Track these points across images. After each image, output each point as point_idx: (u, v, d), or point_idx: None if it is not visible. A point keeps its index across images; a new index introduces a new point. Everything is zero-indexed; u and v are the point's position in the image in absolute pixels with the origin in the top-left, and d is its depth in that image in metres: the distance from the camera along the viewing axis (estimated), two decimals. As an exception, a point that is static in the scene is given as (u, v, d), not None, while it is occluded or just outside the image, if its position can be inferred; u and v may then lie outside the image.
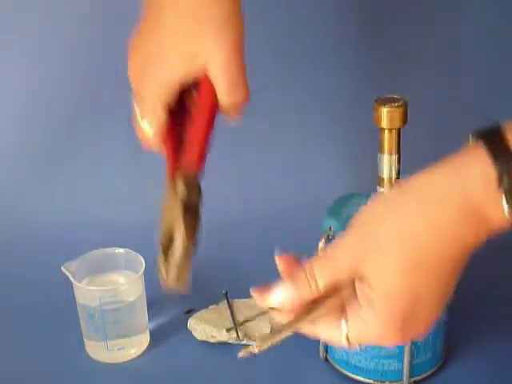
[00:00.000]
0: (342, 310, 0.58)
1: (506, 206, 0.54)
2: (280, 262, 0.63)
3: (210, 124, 0.68)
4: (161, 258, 0.67)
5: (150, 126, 0.70)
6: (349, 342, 0.58)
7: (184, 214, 0.66)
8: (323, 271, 0.58)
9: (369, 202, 0.59)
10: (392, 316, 0.56)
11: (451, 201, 0.55)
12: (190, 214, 0.66)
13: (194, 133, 0.68)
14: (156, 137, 0.70)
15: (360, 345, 0.59)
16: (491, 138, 0.55)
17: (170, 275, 0.67)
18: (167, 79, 0.69)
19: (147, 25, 0.71)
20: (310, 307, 0.58)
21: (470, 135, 0.58)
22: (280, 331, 0.60)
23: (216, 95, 0.69)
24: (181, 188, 0.66)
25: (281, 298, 0.59)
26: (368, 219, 0.58)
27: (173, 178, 0.67)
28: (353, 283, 0.57)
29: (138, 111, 0.71)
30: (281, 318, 0.60)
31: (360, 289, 0.57)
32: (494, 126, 0.56)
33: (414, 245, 0.55)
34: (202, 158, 0.67)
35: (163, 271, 0.67)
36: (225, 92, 0.69)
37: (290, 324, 0.59)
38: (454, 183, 0.56)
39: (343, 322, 0.58)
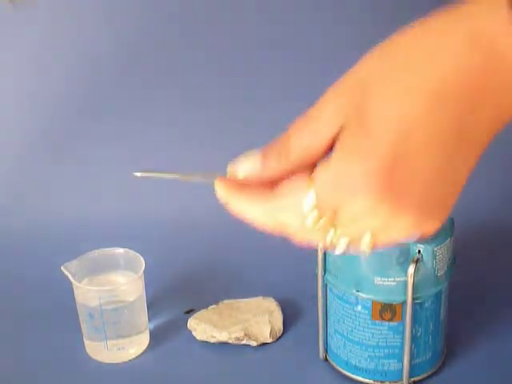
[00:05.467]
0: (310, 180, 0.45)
1: None
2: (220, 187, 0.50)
3: None
4: None
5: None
6: (318, 205, 0.44)
7: None
8: (301, 135, 0.46)
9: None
10: (373, 149, 0.42)
11: (456, 26, 0.45)
12: None
13: None
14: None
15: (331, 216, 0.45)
16: None
17: None
18: None
19: None
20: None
21: None
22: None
23: None
24: None
25: (246, 166, 0.49)
26: (357, 70, 0.48)
27: None
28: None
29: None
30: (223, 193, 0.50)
31: (337, 137, 0.45)
32: None
33: (407, 68, 0.45)
34: None
35: None
36: None
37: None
38: (456, 14, 0.45)
39: (309, 183, 0.45)
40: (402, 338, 0.78)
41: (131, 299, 0.85)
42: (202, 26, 1.07)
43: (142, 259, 0.86)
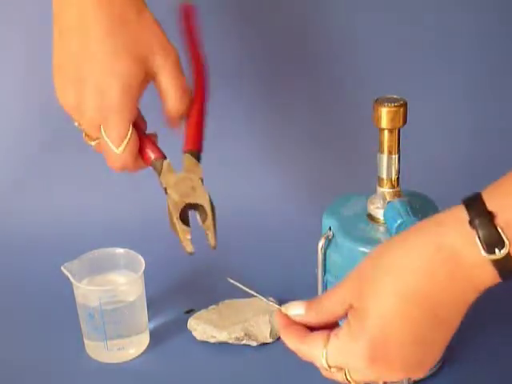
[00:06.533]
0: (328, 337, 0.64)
1: (479, 244, 0.57)
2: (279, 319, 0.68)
3: (204, 109, 0.79)
4: (182, 226, 0.75)
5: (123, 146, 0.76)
6: (328, 364, 0.64)
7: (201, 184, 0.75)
8: (329, 303, 0.64)
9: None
10: (361, 336, 0.61)
11: (424, 240, 0.60)
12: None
13: (193, 125, 0.78)
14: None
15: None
16: (467, 198, 0.59)
17: (213, 237, 0.77)
18: (125, 90, 0.74)
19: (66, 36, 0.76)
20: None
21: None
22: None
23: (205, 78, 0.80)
24: (193, 163, 0.76)
25: (294, 310, 0.67)
26: (361, 268, 0.63)
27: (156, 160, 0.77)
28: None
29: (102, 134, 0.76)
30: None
31: (347, 316, 0.63)
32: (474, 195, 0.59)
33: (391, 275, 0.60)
34: (202, 138, 0.78)
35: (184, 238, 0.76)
36: (175, 98, 0.76)
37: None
38: (427, 232, 0.60)
39: (325, 343, 0.63)
40: (402, 338, 0.78)
41: (131, 299, 0.86)
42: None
43: (142, 259, 0.86)
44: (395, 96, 0.76)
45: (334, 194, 0.85)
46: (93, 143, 0.79)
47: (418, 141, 1.08)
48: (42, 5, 1.06)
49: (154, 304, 0.92)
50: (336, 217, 0.80)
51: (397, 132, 0.76)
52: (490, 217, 0.57)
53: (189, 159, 0.76)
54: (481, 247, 0.57)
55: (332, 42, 1.09)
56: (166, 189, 0.75)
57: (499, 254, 0.56)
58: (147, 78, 0.75)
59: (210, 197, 0.75)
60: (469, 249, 0.57)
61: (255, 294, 0.73)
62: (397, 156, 0.77)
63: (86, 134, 0.79)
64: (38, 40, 1.08)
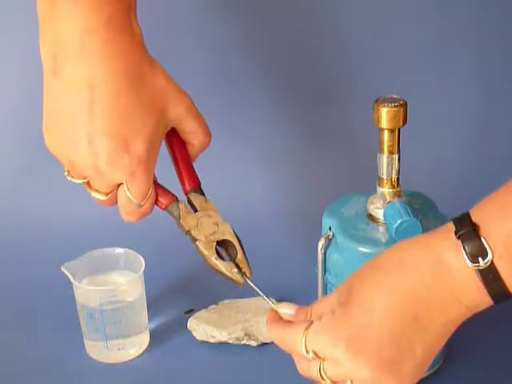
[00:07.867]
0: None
1: (464, 255, 0.59)
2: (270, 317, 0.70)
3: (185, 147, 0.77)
4: (225, 263, 0.77)
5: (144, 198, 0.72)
6: (306, 348, 0.64)
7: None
8: (319, 305, 0.67)
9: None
10: (343, 320, 0.63)
11: (415, 244, 0.63)
12: None
13: (183, 166, 0.77)
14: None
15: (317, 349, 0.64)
16: (456, 216, 0.62)
17: (248, 269, 0.79)
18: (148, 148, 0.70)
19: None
20: None
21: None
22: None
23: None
24: (202, 199, 0.76)
25: (285, 311, 0.70)
26: (353, 275, 0.66)
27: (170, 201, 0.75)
28: None
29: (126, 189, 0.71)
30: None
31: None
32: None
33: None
34: (196, 174, 0.77)
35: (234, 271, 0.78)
36: (205, 135, 0.75)
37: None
38: (419, 239, 0.64)
39: (308, 326, 0.65)
40: (402, 338, 0.78)
41: (131, 299, 0.86)
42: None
43: (141, 259, 0.86)
44: (395, 96, 0.76)
45: (334, 194, 0.85)
46: (103, 197, 0.73)
47: (418, 141, 1.08)
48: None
49: (154, 304, 0.92)
50: (336, 217, 0.80)
51: (397, 132, 0.76)
52: (474, 228, 0.59)
53: (196, 197, 0.76)
54: (466, 257, 0.59)
55: (332, 41, 1.09)
56: (189, 231, 0.74)
57: (482, 263, 0.59)
58: (167, 129, 0.73)
59: (233, 229, 0.76)
60: (455, 259, 0.60)
61: (260, 292, 0.76)
62: (397, 156, 0.77)
63: (90, 187, 0.74)
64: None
